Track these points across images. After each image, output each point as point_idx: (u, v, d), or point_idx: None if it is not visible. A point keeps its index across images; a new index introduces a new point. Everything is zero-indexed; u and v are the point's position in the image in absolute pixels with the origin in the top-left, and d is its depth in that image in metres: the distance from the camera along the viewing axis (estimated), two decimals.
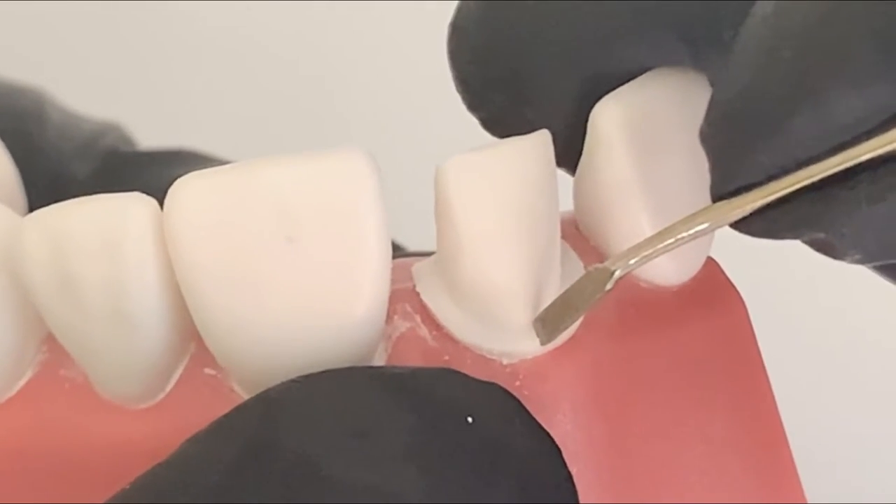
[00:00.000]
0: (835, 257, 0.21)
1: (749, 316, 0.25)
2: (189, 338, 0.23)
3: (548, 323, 0.22)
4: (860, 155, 0.19)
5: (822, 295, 0.50)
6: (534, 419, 0.20)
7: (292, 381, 0.20)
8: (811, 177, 0.19)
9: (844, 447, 0.48)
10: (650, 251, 0.21)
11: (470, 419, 0.19)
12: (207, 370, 0.23)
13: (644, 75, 0.23)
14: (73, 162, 0.35)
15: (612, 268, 0.21)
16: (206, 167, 0.21)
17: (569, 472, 0.20)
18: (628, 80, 0.23)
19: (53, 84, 0.38)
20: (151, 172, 0.36)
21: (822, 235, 0.20)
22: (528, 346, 0.23)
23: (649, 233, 0.22)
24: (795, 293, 0.49)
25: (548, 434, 0.20)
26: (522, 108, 0.24)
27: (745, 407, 0.24)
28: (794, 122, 0.19)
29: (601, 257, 0.24)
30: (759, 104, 0.19)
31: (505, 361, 0.23)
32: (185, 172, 0.21)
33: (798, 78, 0.19)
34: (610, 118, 0.23)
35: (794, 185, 0.19)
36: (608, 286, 0.21)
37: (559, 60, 0.23)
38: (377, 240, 0.20)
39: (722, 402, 0.24)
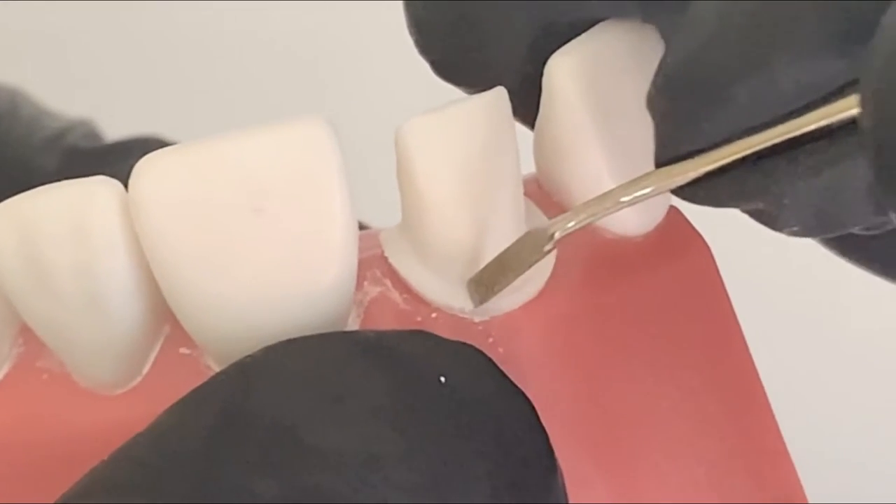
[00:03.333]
0: (774, 228, 0.21)
1: (715, 261, 0.25)
2: (163, 320, 0.23)
3: (482, 284, 0.22)
4: (801, 127, 0.19)
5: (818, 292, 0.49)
6: (506, 376, 0.20)
7: (266, 348, 0.20)
8: (753, 146, 0.20)
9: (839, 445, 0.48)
10: (590, 214, 0.21)
11: (443, 379, 0.20)
12: (183, 350, 0.23)
13: (596, 27, 0.23)
14: (40, 156, 0.36)
15: (551, 230, 0.21)
16: None
17: (543, 428, 0.20)
18: (581, 31, 0.23)
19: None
20: (118, 162, 0.36)
21: (762, 206, 0.20)
22: (498, 303, 0.23)
23: (609, 182, 0.23)
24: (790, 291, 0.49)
25: (520, 391, 0.20)
26: (473, 52, 0.24)
27: (718, 350, 0.24)
28: (738, 91, 0.19)
29: (565, 212, 0.24)
30: (704, 71, 0.20)
31: (477, 319, 0.23)
32: None
33: (744, 47, 0.19)
34: (564, 71, 0.23)
35: (736, 153, 0.20)
36: (546, 248, 0.21)
37: (510, 6, 0.23)
38: (342, 206, 0.21)
39: (694, 346, 0.24)
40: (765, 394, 0.25)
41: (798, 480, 0.25)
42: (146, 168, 0.20)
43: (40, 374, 0.23)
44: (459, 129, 0.22)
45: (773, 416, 0.25)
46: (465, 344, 0.21)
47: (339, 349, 0.20)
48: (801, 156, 0.20)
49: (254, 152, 0.20)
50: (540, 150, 0.25)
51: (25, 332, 0.23)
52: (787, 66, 0.19)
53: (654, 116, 0.21)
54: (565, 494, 0.20)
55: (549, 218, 0.24)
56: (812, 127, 0.19)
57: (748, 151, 0.20)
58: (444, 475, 0.19)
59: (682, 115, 0.20)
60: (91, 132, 0.39)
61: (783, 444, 0.25)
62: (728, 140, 0.20)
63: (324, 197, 0.21)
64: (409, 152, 0.22)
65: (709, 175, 0.20)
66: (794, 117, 0.19)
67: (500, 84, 0.23)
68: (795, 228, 0.21)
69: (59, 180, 0.22)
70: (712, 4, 0.20)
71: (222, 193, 0.20)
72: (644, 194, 0.21)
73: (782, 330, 0.43)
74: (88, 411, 0.23)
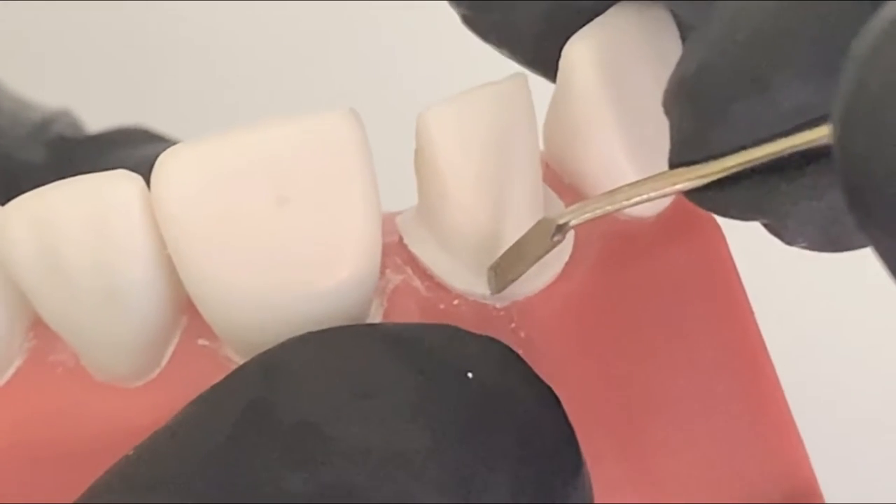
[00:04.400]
0: (784, 242, 0.21)
1: (726, 241, 0.25)
2: (181, 311, 0.23)
3: (500, 272, 0.23)
4: (803, 143, 0.19)
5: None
6: (532, 371, 0.20)
7: (291, 341, 0.20)
8: (757, 159, 0.20)
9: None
10: (598, 209, 0.21)
11: (469, 374, 0.20)
12: (202, 341, 0.23)
13: (610, 11, 0.24)
14: (25, 148, 0.35)
15: (560, 220, 0.21)
16: (156, 145, 0.21)
17: (570, 424, 0.20)
18: (599, 10, 0.24)
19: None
20: (104, 153, 0.36)
21: (767, 221, 0.21)
22: (518, 288, 0.23)
23: (625, 164, 0.23)
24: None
25: (547, 385, 0.20)
26: (497, 12, 0.24)
27: (728, 329, 0.25)
28: (740, 104, 0.19)
29: (578, 195, 0.24)
30: (709, 82, 0.20)
31: (498, 305, 0.23)
32: (138, 151, 0.20)
33: (746, 62, 0.19)
34: (580, 55, 0.23)
35: (742, 164, 0.20)
36: (555, 238, 0.22)
37: None
38: (366, 197, 0.21)
39: (706, 326, 0.25)
40: (775, 372, 0.25)
41: (806, 454, 0.25)
42: (169, 163, 0.20)
43: (54, 369, 0.23)
44: (480, 115, 0.22)
45: (782, 393, 0.25)
46: (491, 338, 0.21)
47: (365, 344, 0.20)
48: (803, 177, 0.20)
49: (279, 143, 0.20)
50: (553, 132, 0.25)
51: (37, 327, 0.23)
52: (785, 84, 0.19)
53: (669, 119, 0.21)
54: (591, 490, 0.20)
55: (564, 201, 0.24)
56: (803, 147, 0.19)
57: (754, 163, 0.20)
58: (471, 471, 0.19)
59: (690, 124, 0.20)
60: (73, 123, 0.39)
61: (792, 419, 0.25)
62: (735, 151, 0.20)
63: (348, 188, 0.21)
64: (431, 137, 0.22)
65: (718, 184, 0.20)
66: (796, 133, 0.19)
67: (522, 45, 0.23)
68: (805, 245, 0.21)
69: (47, 172, 0.22)
70: (721, 19, 0.20)
71: (246, 185, 0.20)
72: (647, 197, 0.21)
73: (793, 311, 0.44)
74: (105, 404, 0.23)
